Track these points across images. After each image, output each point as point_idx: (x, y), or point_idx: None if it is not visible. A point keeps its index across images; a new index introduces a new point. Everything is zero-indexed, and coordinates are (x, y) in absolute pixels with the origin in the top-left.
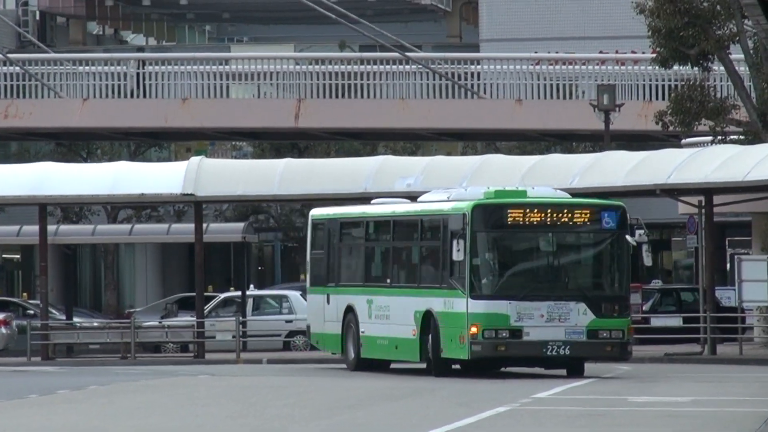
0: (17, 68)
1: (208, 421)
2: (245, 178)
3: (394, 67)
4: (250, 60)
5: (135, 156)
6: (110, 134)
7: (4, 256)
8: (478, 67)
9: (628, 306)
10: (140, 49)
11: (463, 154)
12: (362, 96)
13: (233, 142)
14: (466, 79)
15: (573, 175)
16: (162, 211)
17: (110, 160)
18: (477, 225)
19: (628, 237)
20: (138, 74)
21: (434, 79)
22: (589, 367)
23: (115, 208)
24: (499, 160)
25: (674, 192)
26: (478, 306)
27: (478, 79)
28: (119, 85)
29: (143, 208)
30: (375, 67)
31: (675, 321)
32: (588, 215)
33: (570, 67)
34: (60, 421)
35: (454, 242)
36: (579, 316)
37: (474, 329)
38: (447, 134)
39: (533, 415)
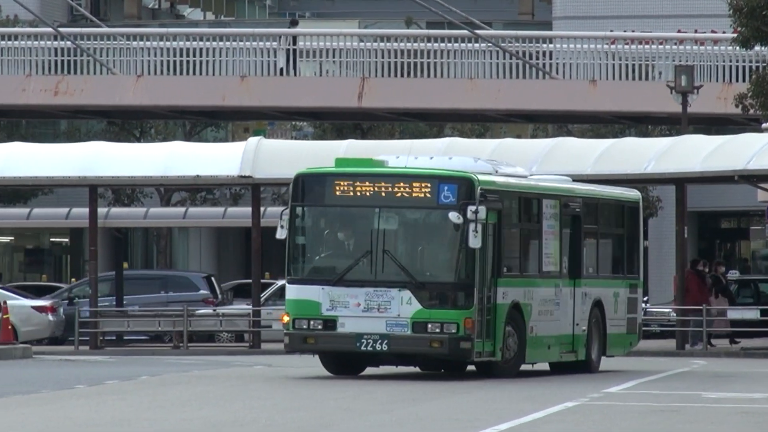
0: (69, 43)
1: (263, 414)
2: (305, 160)
3: (463, 45)
4: (312, 36)
5: (190, 136)
6: (165, 113)
7: (52, 239)
8: (551, 45)
9: (471, 295)
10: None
11: (534, 136)
12: (429, 75)
13: (293, 122)
14: (537, 58)
15: (648, 159)
16: (218, 193)
17: (164, 139)
18: (296, 198)
19: (451, 214)
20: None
21: (504, 58)
22: (656, 361)
23: (168, 190)
24: (571, 143)
25: (753, 178)
26: (291, 292)
27: (551, 59)
28: (175, 62)
29: (198, 190)
30: (443, 44)
31: (752, 313)
32: (424, 188)
33: (646, 46)
34: (108, 412)
35: (281, 218)
36: (402, 305)
37: (285, 318)
38: (517, 116)
39: (603, 410)
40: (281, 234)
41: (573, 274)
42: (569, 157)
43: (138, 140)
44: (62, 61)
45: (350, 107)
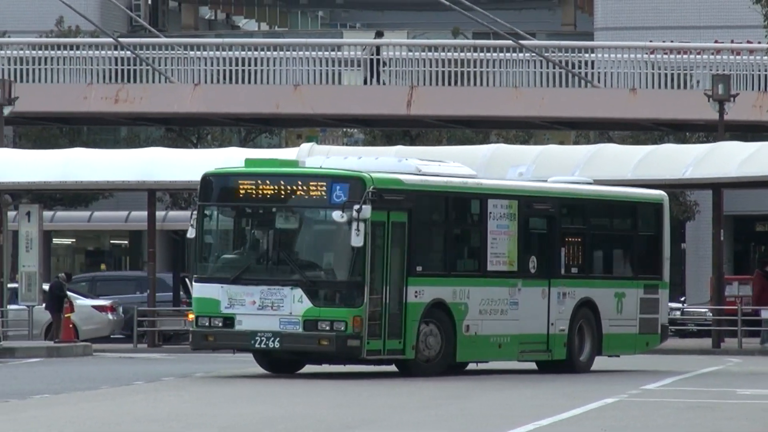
0: (128, 53)
1: (315, 410)
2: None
3: (508, 54)
4: (362, 46)
5: (245, 142)
6: (221, 120)
7: (112, 241)
8: (592, 55)
9: (361, 294)
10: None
11: (576, 143)
12: (475, 84)
13: (344, 129)
14: (579, 67)
15: (686, 165)
16: None
17: (220, 145)
18: (202, 197)
19: (335, 213)
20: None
21: (548, 68)
22: (692, 359)
23: None
24: (612, 149)
25: None
26: (196, 290)
27: (592, 68)
28: (231, 71)
29: None
30: (488, 54)
31: None
32: (319, 188)
33: (684, 56)
34: (165, 408)
35: (191, 217)
36: (294, 304)
37: (191, 316)
38: (560, 123)
39: (641, 406)
40: (191, 233)
41: (547, 274)
42: (610, 163)
43: (195, 146)
44: (122, 70)
45: (399, 114)
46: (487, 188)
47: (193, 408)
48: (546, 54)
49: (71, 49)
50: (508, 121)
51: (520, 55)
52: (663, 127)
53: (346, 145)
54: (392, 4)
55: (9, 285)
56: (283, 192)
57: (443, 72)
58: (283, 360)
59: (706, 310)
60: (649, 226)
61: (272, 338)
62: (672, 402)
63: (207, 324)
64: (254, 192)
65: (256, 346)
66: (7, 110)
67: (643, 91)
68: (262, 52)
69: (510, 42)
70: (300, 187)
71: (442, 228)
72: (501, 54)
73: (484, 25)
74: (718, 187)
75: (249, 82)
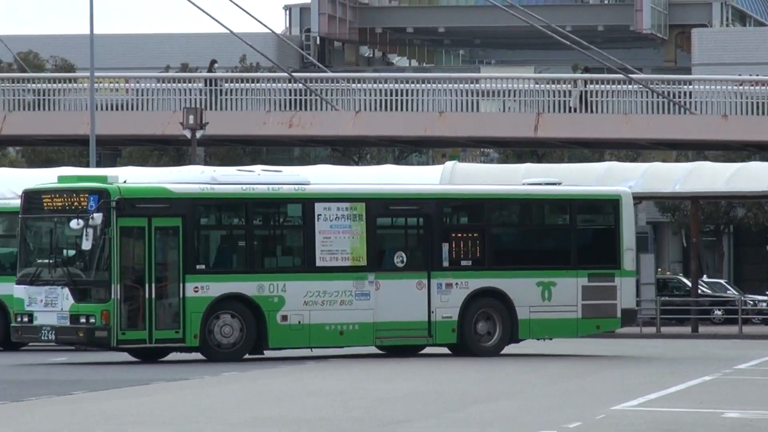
0: (300, 85)
1: (458, 386)
2: (492, 180)
3: (619, 86)
4: (496, 79)
5: (398, 160)
6: (377, 141)
7: None
8: (690, 87)
9: (108, 291)
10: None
11: (676, 161)
12: (591, 111)
13: (482, 149)
14: (679, 96)
15: None
16: None
17: (377, 163)
18: (21, 210)
19: (73, 222)
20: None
21: (652, 97)
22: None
23: None
24: (708, 166)
25: None
26: (14, 291)
27: (690, 97)
28: (386, 100)
29: None
30: (603, 86)
31: None
32: (82, 200)
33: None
34: (332, 383)
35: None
36: (65, 301)
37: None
38: (663, 144)
39: (733, 383)
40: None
41: (426, 268)
42: (706, 178)
43: (356, 164)
44: (295, 99)
45: (528, 137)
46: (312, 194)
47: (350, 386)
48: (651, 86)
49: (252, 82)
50: (619, 142)
51: (629, 86)
52: (751, 147)
53: (483, 162)
54: (521, 44)
55: None
56: (61, 204)
57: (565, 101)
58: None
59: None
60: (603, 221)
61: (51, 331)
62: (760, 380)
63: (18, 320)
64: (46, 205)
65: (43, 337)
66: (199, 134)
67: (734, 116)
68: (413, 85)
69: (620, 75)
70: (72, 200)
71: (236, 230)
72: (613, 86)
73: (599, 61)
74: None
75: (401, 109)
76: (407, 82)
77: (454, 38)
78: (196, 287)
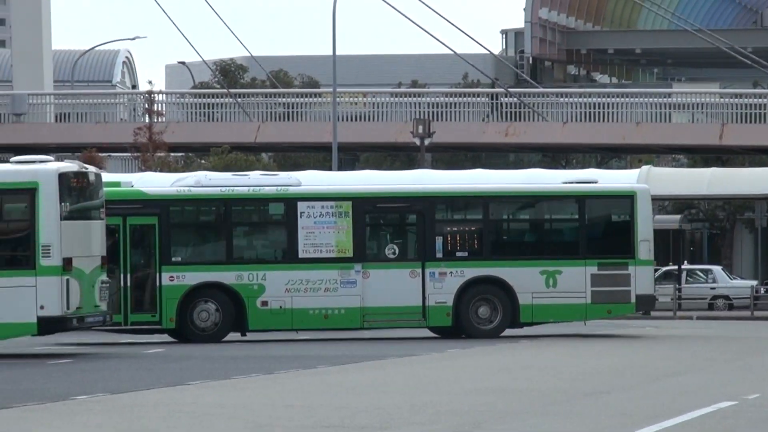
0: (514, 99)
1: (644, 360)
2: (682, 182)
3: None
4: (686, 94)
5: (600, 164)
6: (582, 148)
7: None
8: None
9: None
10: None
11: None
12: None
13: (673, 155)
14: None
15: None
16: None
17: (583, 167)
18: None
19: None
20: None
21: None
22: None
23: None
24: None
25: None
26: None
27: None
28: (590, 112)
29: None
30: None
31: None
32: None
33: None
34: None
35: None
36: None
37: None
38: None
39: None
40: None
41: (420, 258)
42: None
43: (563, 168)
44: (510, 111)
45: (713, 145)
46: (294, 194)
47: (560, 361)
48: None
49: (473, 96)
50: None
51: None
52: None
53: (674, 167)
54: (708, 63)
55: None
56: None
57: (747, 113)
58: None
59: None
60: (616, 215)
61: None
62: None
63: None
64: None
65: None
66: (427, 141)
67: None
68: (613, 99)
69: None
70: None
71: (212, 226)
72: None
73: None
74: None
75: (603, 120)
76: (608, 97)
77: (649, 58)
78: (172, 276)
